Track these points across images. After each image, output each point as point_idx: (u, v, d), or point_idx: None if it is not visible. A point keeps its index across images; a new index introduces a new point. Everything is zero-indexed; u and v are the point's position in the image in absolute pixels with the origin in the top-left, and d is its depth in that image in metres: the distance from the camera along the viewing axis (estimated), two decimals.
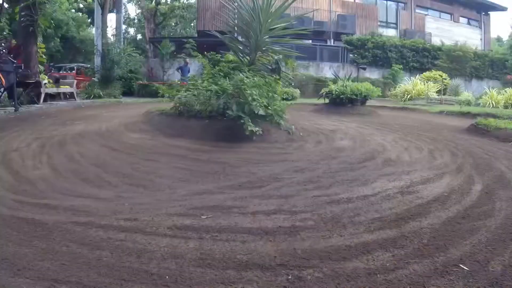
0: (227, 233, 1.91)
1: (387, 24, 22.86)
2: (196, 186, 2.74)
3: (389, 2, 23.47)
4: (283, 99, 7.03)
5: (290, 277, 1.51)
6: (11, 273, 1.48)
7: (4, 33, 16.28)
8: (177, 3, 29.87)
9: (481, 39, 25.87)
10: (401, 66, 18.68)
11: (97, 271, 1.52)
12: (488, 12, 26.71)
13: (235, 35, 6.80)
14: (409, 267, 1.59)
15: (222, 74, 5.43)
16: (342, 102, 8.83)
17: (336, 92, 8.82)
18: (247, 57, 6.07)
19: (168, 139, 4.56)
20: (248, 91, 4.28)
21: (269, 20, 5.55)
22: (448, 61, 19.49)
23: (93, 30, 20.44)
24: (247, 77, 4.68)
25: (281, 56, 5.86)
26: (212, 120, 4.78)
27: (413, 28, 23.07)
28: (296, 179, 2.94)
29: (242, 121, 4.13)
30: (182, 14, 31.07)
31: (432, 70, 17.60)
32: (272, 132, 4.76)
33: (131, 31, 36.15)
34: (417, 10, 23.81)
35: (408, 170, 3.30)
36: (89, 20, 28.17)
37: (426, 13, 24.14)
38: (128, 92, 14.56)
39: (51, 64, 17.09)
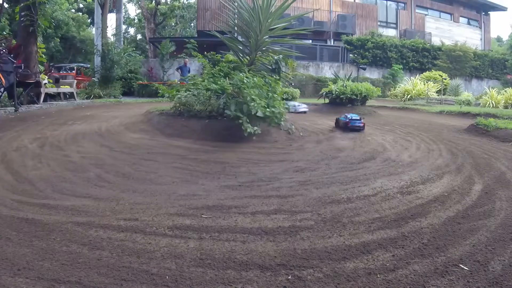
0: (227, 233, 1.91)
1: (387, 24, 22.87)
2: (196, 186, 2.74)
3: (389, 2, 23.49)
4: (283, 99, 7.04)
5: (290, 277, 1.51)
6: (11, 273, 1.48)
7: (4, 33, 16.30)
8: (177, 3, 29.88)
9: (481, 39, 25.89)
10: (401, 66, 18.69)
11: (97, 271, 1.52)
12: (488, 12, 26.74)
13: (235, 35, 6.80)
14: (409, 267, 1.59)
15: (222, 74, 5.43)
16: (342, 102, 8.84)
17: (336, 92, 8.83)
18: (247, 57, 6.07)
19: (168, 139, 4.56)
20: (247, 91, 4.28)
21: (269, 20, 5.55)
22: (448, 61, 19.50)
23: (93, 30, 20.45)
24: (247, 77, 4.68)
25: (281, 56, 5.86)
26: (212, 120, 4.78)
27: (413, 28, 23.08)
28: (296, 179, 2.94)
29: (240, 121, 4.13)
30: (182, 14, 31.10)
31: (432, 70, 17.62)
32: (272, 132, 4.76)
33: (131, 31, 36.19)
34: (417, 10, 23.82)
35: (408, 170, 3.30)
36: (89, 20, 28.20)
37: (426, 13, 24.16)
38: (128, 92, 14.56)
39: (51, 64, 17.09)
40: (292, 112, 8.14)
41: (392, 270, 1.57)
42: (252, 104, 4.17)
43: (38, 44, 9.06)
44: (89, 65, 16.11)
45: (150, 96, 13.39)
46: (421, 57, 20.12)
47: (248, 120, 4.17)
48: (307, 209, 2.28)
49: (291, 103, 8.68)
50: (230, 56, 6.39)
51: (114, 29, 18.04)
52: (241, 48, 6.18)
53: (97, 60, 13.89)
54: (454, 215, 2.21)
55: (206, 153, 3.85)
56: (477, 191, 2.71)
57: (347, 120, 5.66)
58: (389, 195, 2.59)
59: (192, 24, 32.46)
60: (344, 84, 9.04)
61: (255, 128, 4.21)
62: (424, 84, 14.65)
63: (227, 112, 4.22)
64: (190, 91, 5.26)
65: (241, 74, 4.82)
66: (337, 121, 6.02)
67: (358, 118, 5.68)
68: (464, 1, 25.15)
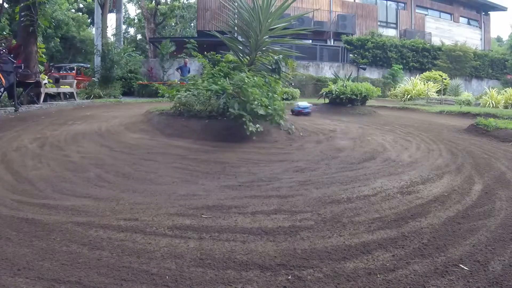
0: (227, 233, 1.91)
1: (387, 24, 22.88)
2: (196, 186, 2.74)
3: (389, 2, 23.50)
4: (283, 99, 7.06)
5: (290, 277, 1.51)
6: (11, 273, 1.48)
7: (4, 33, 16.31)
8: (177, 3, 29.90)
9: (481, 39, 25.90)
10: (401, 66, 18.69)
11: (97, 271, 1.52)
12: (488, 12, 26.75)
13: (235, 35, 6.80)
14: (409, 267, 1.59)
15: (222, 74, 5.43)
16: (342, 102, 8.83)
17: (336, 92, 8.82)
18: (247, 57, 6.07)
19: (168, 139, 4.56)
20: (250, 90, 4.28)
21: (269, 20, 5.55)
22: (448, 61, 19.50)
23: (93, 30, 20.45)
24: (247, 77, 4.69)
25: (281, 56, 5.86)
26: (212, 120, 4.78)
27: (413, 28, 23.09)
28: (296, 179, 2.94)
29: (243, 119, 4.13)
30: (182, 14, 31.12)
31: (432, 70, 17.62)
32: (272, 132, 4.76)
33: (131, 31, 36.22)
34: (417, 10, 23.84)
35: (408, 170, 3.30)
36: (89, 20, 28.23)
37: (426, 13, 24.17)
38: (128, 92, 14.57)
39: (51, 64, 17.10)
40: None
41: (392, 270, 1.57)
42: (255, 103, 4.18)
43: (38, 44, 9.06)
44: (89, 65, 16.11)
45: (150, 96, 13.39)
46: (421, 57, 20.12)
47: (251, 119, 4.17)
48: (307, 209, 2.28)
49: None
50: (230, 56, 6.38)
51: (114, 29, 18.03)
52: (241, 48, 6.18)
53: (97, 60, 13.89)
54: (454, 215, 2.21)
55: (206, 153, 3.85)
56: (477, 191, 2.71)
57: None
58: (389, 195, 2.59)
59: (192, 24, 32.48)
60: (344, 84, 9.03)
61: (257, 126, 4.22)
62: (424, 84, 14.64)
63: (231, 110, 4.22)
64: (190, 91, 5.26)
65: (242, 73, 4.82)
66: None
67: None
68: (464, 1, 25.16)
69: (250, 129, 4.08)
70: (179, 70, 14.63)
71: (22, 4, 8.47)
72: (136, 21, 34.81)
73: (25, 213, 2.14)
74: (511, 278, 1.51)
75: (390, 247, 1.78)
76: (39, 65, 9.27)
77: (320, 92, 10.39)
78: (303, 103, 8.29)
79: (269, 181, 2.89)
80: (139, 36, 35.12)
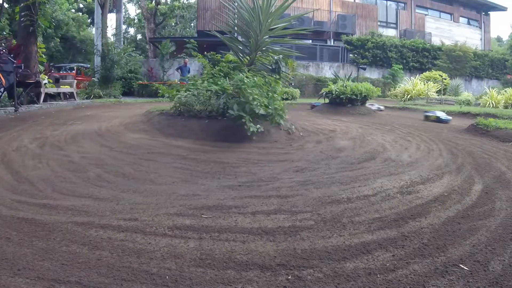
0: (227, 233, 1.91)
1: (387, 24, 22.89)
2: (196, 186, 2.74)
3: (389, 2, 23.51)
4: (283, 99, 7.06)
5: (290, 277, 1.51)
6: (11, 273, 1.48)
7: (4, 33, 16.32)
8: (177, 3, 29.91)
9: (481, 39, 25.92)
10: (401, 66, 18.69)
11: (97, 271, 1.52)
12: (488, 12, 26.77)
13: (235, 35, 6.80)
14: (409, 267, 1.59)
15: (222, 74, 5.43)
16: (342, 102, 8.83)
17: (336, 92, 8.82)
18: (247, 57, 6.07)
19: (168, 139, 4.56)
20: (249, 91, 4.28)
21: (269, 20, 5.54)
22: (448, 61, 19.50)
23: (93, 30, 20.45)
24: (247, 77, 4.68)
25: (281, 56, 5.86)
26: (212, 120, 4.78)
27: (413, 28, 23.10)
28: (296, 179, 2.94)
29: (243, 120, 4.13)
30: (182, 14, 31.14)
31: (432, 70, 17.62)
32: (272, 132, 4.76)
33: (131, 31, 36.23)
34: (417, 10, 23.85)
35: (408, 170, 3.30)
36: (89, 20, 28.25)
37: (426, 13, 24.18)
38: (128, 92, 14.58)
39: (51, 64, 17.09)
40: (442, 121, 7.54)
41: (392, 270, 1.57)
42: (255, 103, 4.17)
43: (38, 44, 9.06)
44: (89, 65, 16.11)
45: (150, 96, 13.41)
46: (421, 57, 20.13)
47: (250, 119, 4.17)
48: (307, 209, 2.28)
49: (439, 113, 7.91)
50: (230, 56, 6.38)
51: (114, 29, 18.04)
52: (241, 48, 6.18)
53: (97, 60, 13.88)
54: (454, 215, 2.21)
55: (206, 153, 3.85)
56: (477, 191, 2.71)
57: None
58: (389, 195, 2.59)
59: (192, 24, 32.48)
60: (344, 84, 9.03)
61: (258, 126, 4.22)
62: (424, 84, 14.65)
63: (230, 112, 4.21)
64: (190, 91, 5.26)
65: (241, 74, 4.82)
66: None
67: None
68: (464, 1, 25.18)
69: (251, 129, 4.08)
70: (179, 70, 14.64)
71: (22, 4, 8.46)
72: (136, 21, 34.82)
73: (25, 213, 2.14)
74: (511, 278, 1.51)
75: (390, 247, 1.78)
76: (39, 65, 9.26)
77: (320, 92, 10.42)
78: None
79: (269, 181, 2.89)
80: (139, 36, 35.14)
